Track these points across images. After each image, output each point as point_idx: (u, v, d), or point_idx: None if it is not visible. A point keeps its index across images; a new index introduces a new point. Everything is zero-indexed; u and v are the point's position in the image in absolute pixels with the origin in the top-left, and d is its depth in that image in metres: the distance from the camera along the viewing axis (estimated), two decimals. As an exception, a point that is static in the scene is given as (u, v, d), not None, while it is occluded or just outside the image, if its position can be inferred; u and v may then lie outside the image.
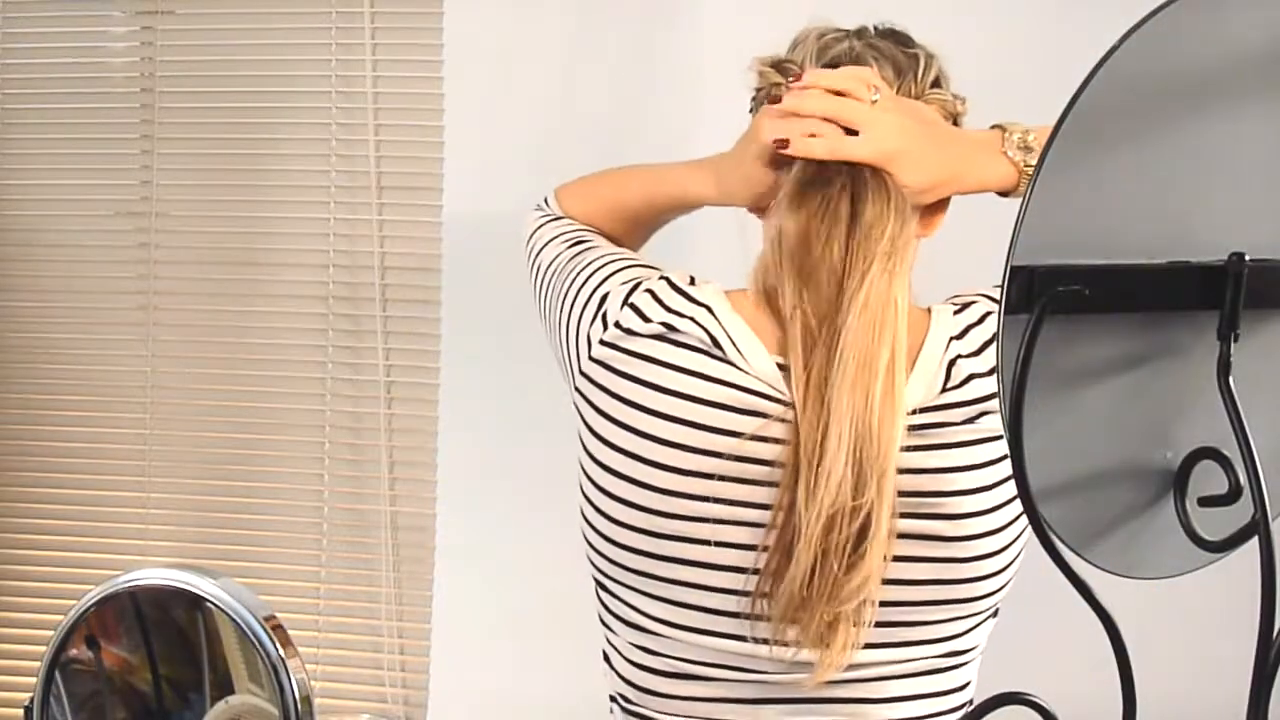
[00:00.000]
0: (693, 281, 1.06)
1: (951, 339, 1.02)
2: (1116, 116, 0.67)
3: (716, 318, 1.02)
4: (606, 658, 1.11)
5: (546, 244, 1.20)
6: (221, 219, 2.14)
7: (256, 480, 2.16)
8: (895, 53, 1.06)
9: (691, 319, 1.02)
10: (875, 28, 1.10)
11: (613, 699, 1.11)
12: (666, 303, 1.03)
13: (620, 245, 1.20)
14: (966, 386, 1.00)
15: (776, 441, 0.98)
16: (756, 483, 0.99)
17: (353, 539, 2.13)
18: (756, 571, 0.99)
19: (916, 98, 1.05)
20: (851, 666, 1.01)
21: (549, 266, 1.17)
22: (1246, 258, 0.69)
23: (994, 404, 0.99)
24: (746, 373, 0.99)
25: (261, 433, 2.15)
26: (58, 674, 1.04)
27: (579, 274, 1.12)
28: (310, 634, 2.12)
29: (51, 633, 1.04)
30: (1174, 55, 0.67)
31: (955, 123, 1.08)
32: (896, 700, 1.03)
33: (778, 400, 0.98)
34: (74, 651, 1.04)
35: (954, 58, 1.10)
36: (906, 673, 1.03)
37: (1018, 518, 1.01)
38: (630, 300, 1.05)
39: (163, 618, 1.06)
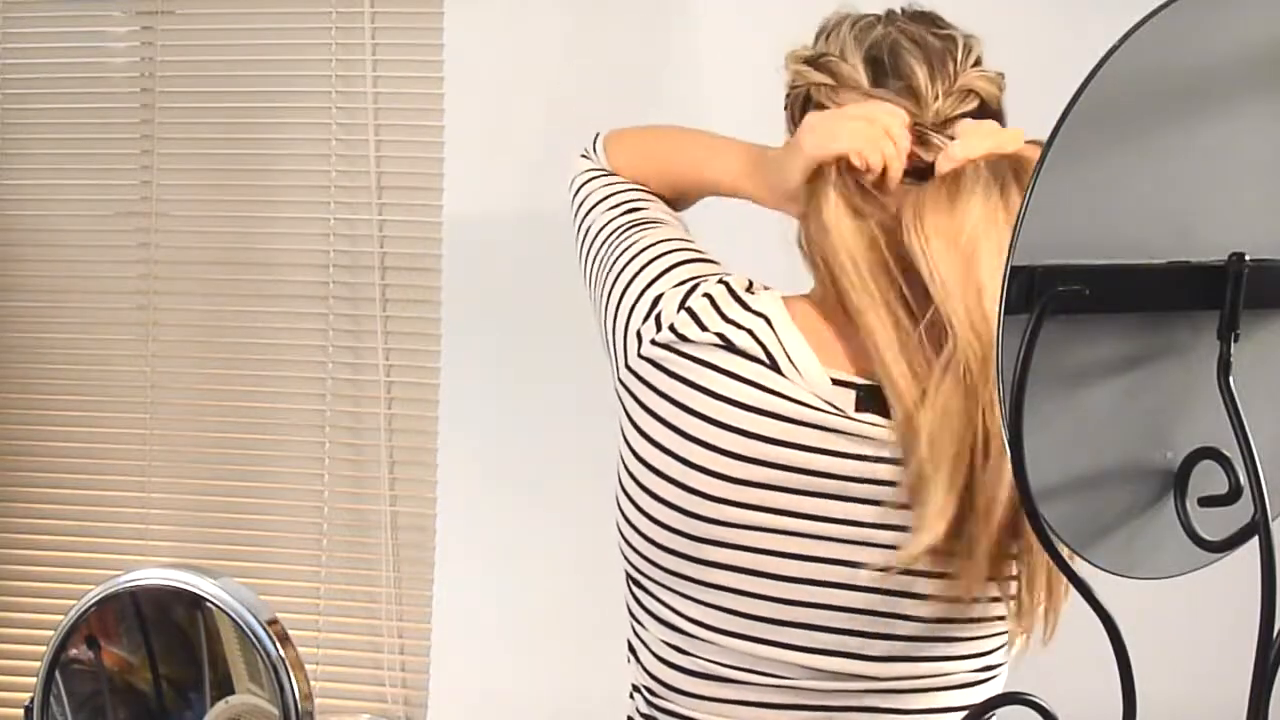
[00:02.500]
0: (751, 288, 1.03)
1: None
2: (1117, 116, 0.67)
3: (774, 330, 1.00)
4: (632, 649, 1.10)
5: (598, 204, 1.15)
6: (221, 219, 2.14)
7: (256, 480, 2.16)
8: (929, 38, 1.03)
9: (749, 331, 1.00)
10: (903, 10, 1.07)
11: (636, 689, 1.11)
12: (724, 311, 1.01)
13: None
14: None
15: (833, 454, 0.97)
16: (806, 493, 0.98)
17: (353, 539, 2.13)
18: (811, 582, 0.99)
19: (956, 78, 1.02)
20: (888, 678, 1.01)
21: (600, 232, 1.13)
22: (1246, 258, 0.69)
23: None
24: (800, 386, 0.98)
25: (261, 433, 2.15)
26: (58, 674, 1.04)
27: (633, 257, 1.08)
28: (310, 634, 2.12)
29: (51, 633, 1.04)
30: (1174, 55, 0.67)
31: (998, 104, 1.05)
32: (927, 712, 1.03)
33: (831, 413, 0.97)
34: (74, 651, 1.04)
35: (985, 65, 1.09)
36: (941, 685, 1.02)
37: None
38: (687, 304, 1.02)
39: (163, 618, 1.06)
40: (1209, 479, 0.71)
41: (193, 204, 2.16)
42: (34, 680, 1.05)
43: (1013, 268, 0.66)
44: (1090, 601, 0.70)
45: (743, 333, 1.00)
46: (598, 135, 1.24)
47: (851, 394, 0.98)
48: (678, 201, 1.20)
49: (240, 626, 0.99)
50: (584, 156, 1.23)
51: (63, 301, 2.19)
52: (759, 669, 1.02)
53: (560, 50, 1.98)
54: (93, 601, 1.03)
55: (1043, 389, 0.68)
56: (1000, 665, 1.06)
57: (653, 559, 1.03)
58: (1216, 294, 0.70)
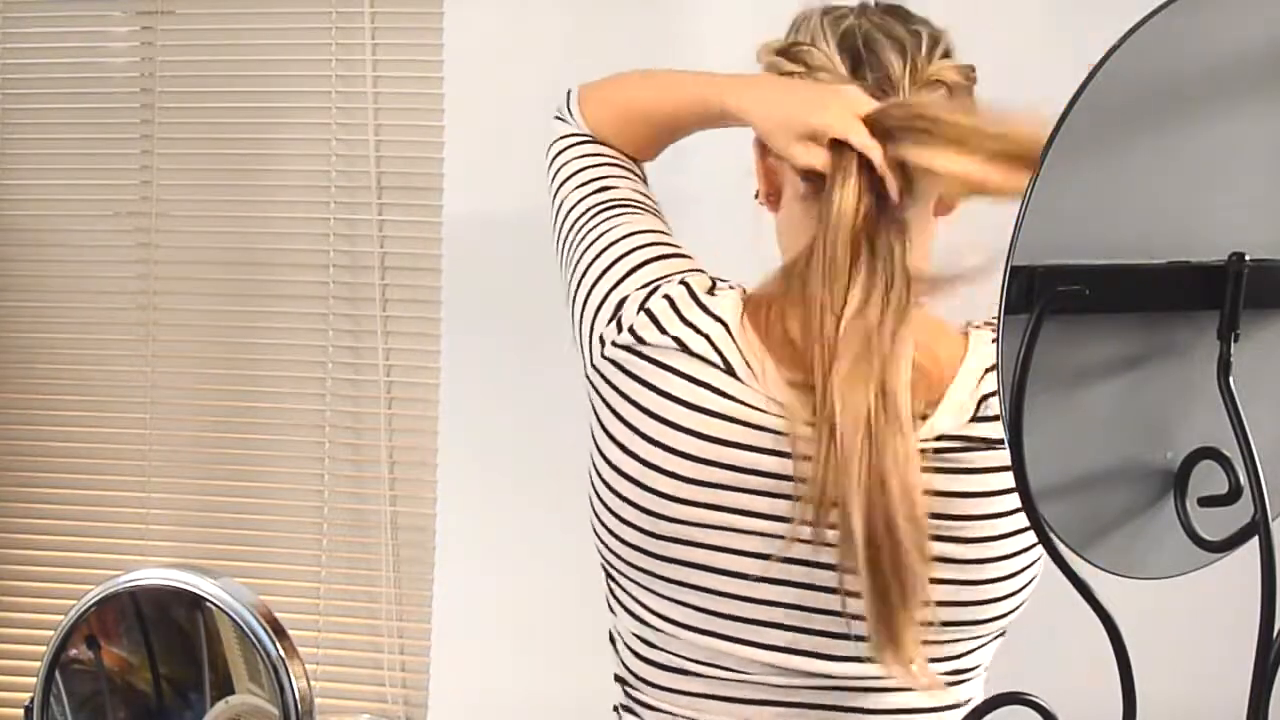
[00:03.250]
0: (713, 289, 1.04)
1: (987, 371, 1.01)
2: (1116, 117, 0.67)
3: (730, 335, 1.00)
4: (612, 639, 1.12)
5: (570, 177, 1.15)
6: (221, 219, 2.14)
7: (256, 480, 2.16)
8: (900, 31, 1.04)
9: (706, 336, 1.01)
10: (876, 3, 1.08)
11: (617, 679, 1.12)
12: (683, 313, 1.02)
13: (639, 158, 1.17)
14: (996, 422, 0.98)
15: (782, 455, 0.98)
16: (759, 493, 0.98)
17: (353, 539, 2.13)
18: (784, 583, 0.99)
19: (923, 69, 1.02)
20: (849, 678, 1.01)
21: (571, 211, 1.13)
22: (1246, 258, 0.70)
23: None
24: (755, 390, 0.99)
25: (261, 433, 2.15)
26: (58, 674, 1.04)
27: (601, 250, 1.08)
28: (310, 634, 2.12)
29: (51, 633, 1.04)
30: (1173, 55, 0.67)
31: (968, 94, 1.05)
32: (891, 713, 1.03)
33: (785, 416, 0.98)
34: (74, 651, 1.04)
35: (955, 58, 1.09)
36: (905, 686, 1.02)
37: (1033, 545, 1.00)
38: (647, 306, 1.03)
39: (163, 618, 1.06)
40: (1209, 479, 0.71)
41: (193, 204, 2.15)
42: (34, 680, 1.05)
43: (1013, 268, 0.66)
44: (1090, 601, 0.70)
45: (699, 337, 1.01)
46: (570, 91, 1.22)
47: (810, 397, 0.97)
48: (662, 142, 1.18)
49: (240, 626, 0.99)
50: (559, 119, 1.22)
51: (63, 301, 2.18)
52: (723, 664, 1.03)
53: (560, 50, 1.98)
54: (93, 601, 1.03)
55: (1043, 389, 0.68)
56: (972, 669, 1.06)
57: (620, 554, 1.04)
58: (1216, 294, 0.70)
